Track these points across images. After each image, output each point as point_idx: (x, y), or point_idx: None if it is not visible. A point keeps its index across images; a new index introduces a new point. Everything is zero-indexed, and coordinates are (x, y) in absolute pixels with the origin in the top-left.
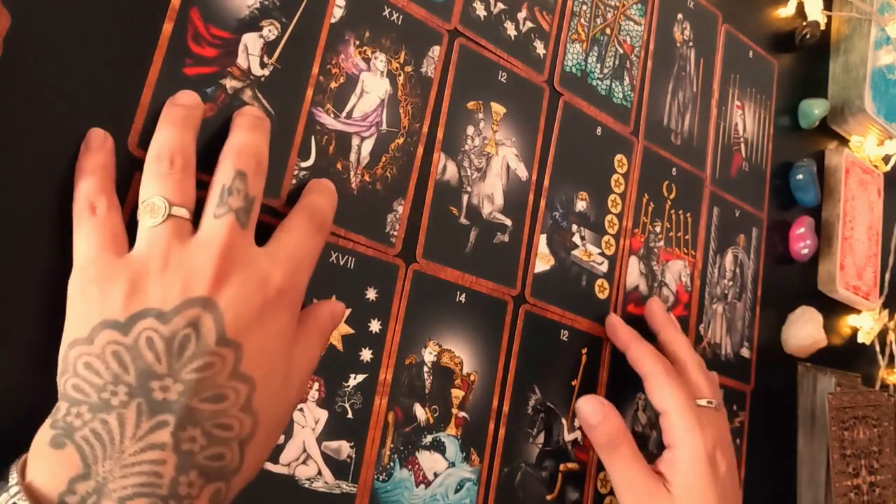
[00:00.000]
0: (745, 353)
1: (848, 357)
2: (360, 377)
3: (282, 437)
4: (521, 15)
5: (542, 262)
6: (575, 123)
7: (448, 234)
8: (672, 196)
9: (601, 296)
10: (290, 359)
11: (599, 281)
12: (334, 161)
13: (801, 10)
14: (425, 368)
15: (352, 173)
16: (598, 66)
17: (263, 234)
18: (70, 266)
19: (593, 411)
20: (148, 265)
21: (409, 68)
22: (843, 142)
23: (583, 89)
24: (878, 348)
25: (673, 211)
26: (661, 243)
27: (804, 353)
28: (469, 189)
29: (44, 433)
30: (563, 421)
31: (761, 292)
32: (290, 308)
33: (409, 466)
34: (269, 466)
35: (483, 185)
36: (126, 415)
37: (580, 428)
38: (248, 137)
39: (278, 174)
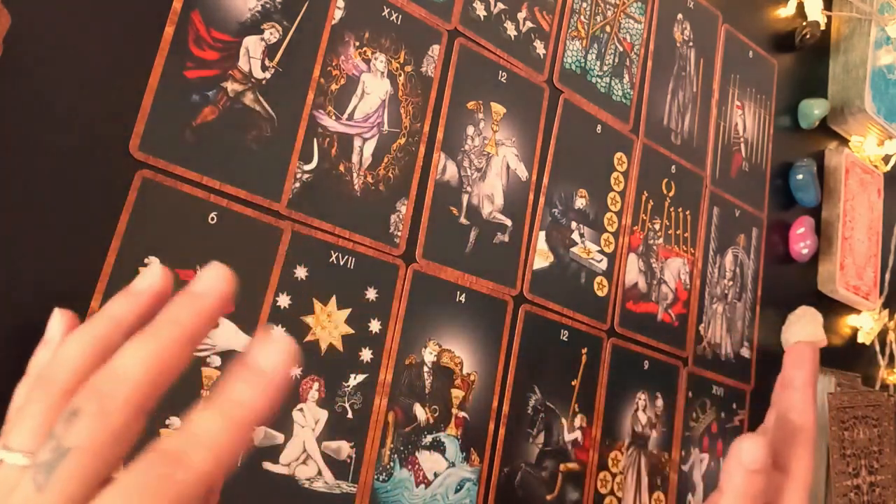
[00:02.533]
0: (745, 352)
1: (848, 357)
2: (360, 377)
3: (282, 438)
4: (521, 15)
5: (541, 258)
6: (575, 121)
7: (448, 234)
8: (671, 193)
9: (600, 293)
10: None
11: (598, 278)
12: (337, 163)
13: (801, 10)
14: (425, 368)
15: (354, 175)
16: (598, 63)
17: (255, 231)
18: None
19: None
20: None
21: (409, 68)
22: (843, 142)
23: (582, 86)
24: (878, 348)
25: (672, 208)
26: (661, 241)
27: None
28: (469, 189)
29: None
30: (563, 421)
31: (761, 292)
32: None
33: (409, 466)
34: (269, 466)
35: (483, 185)
36: None
37: (580, 428)
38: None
39: (280, 178)
